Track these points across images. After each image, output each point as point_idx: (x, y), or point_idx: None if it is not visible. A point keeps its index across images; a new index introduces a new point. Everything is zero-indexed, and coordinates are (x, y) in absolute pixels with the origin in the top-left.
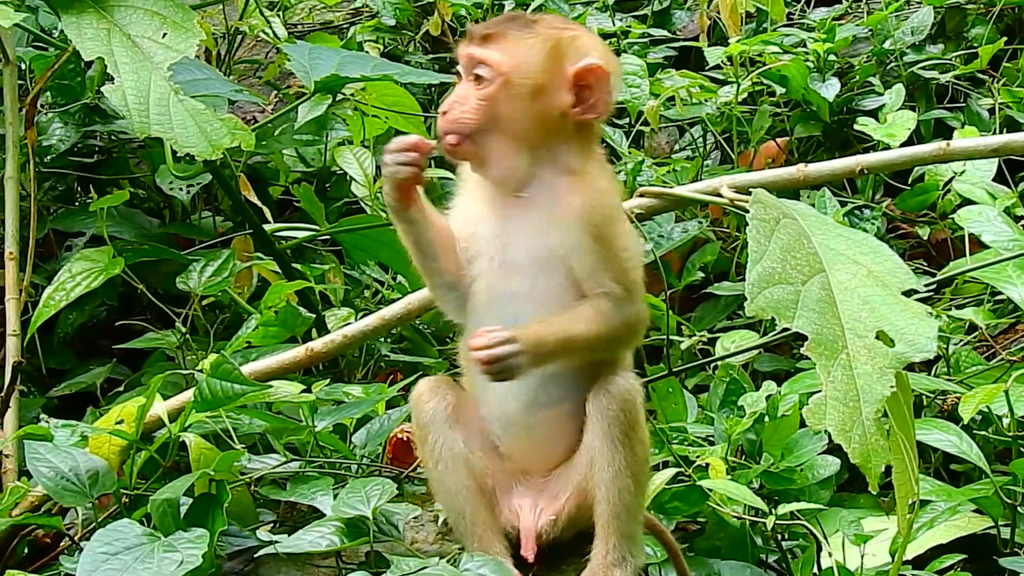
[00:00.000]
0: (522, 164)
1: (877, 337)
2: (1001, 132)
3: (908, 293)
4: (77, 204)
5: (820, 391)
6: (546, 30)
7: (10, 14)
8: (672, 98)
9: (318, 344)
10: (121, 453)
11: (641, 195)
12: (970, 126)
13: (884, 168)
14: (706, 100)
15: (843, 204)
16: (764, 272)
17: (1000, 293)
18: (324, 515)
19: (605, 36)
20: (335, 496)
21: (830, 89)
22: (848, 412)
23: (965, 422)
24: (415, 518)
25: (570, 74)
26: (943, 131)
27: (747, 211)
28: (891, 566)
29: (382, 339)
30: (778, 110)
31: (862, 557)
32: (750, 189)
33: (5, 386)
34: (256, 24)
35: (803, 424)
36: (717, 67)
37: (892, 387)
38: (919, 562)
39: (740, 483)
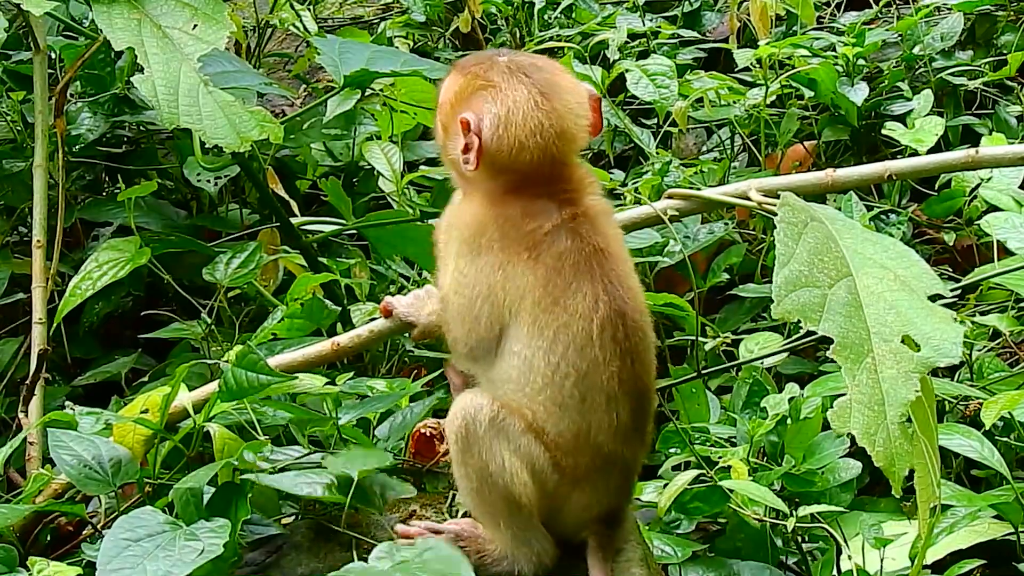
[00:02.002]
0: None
1: (903, 341)
2: None
3: (934, 298)
4: (104, 194)
5: (844, 394)
6: (468, 69)
7: (42, 2)
8: (700, 99)
9: (344, 339)
10: (145, 443)
11: (670, 197)
12: (998, 133)
13: (913, 174)
14: (734, 102)
15: (869, 208)
16: (791, 275)
17: None
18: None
19: (635, 36)
20: None
21: (858, 93)
22: (873, 416)
23: (987, 428)
24: (436, 512)
25: (460, 121)
26: (971, 137)
27: (775, 214)
28: (911, 570)
29: (407, 335)
30: (806, 113)
31: (882, 560)
32: (778, 192)
33: (31, 374)
34: (286, 18)
35: (825, 427)
36: (746, 69)
37: (917, 391)
38: (938, 567)
39: (761, 484)
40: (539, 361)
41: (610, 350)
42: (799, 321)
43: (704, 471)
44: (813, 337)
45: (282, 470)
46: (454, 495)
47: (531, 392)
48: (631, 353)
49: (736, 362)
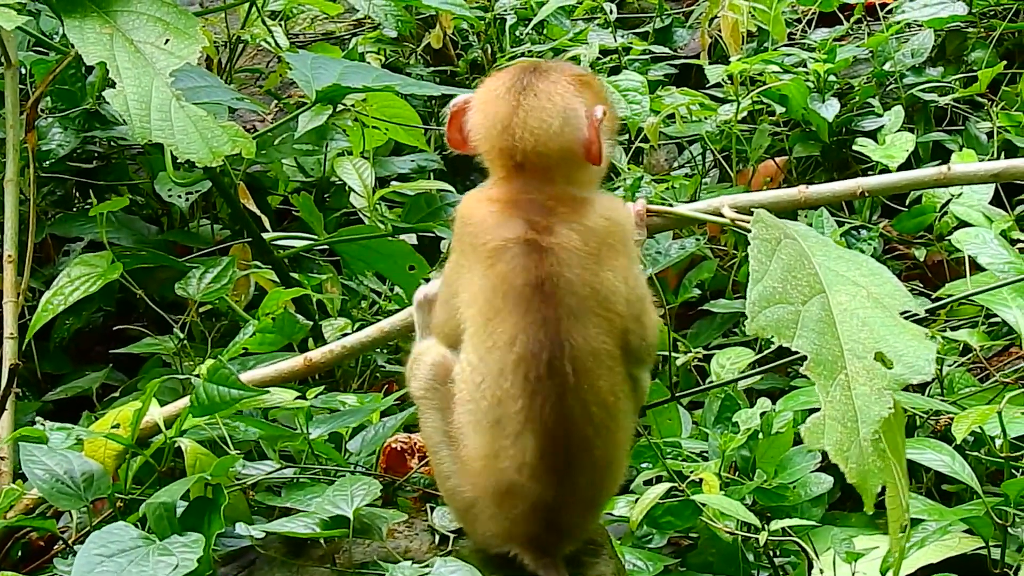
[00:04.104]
0: None
1: (876, 358)
2: (999, 156)
3: (906, 315)
4: (75, 209)
5: (817, 410)
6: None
7: (13, 17)
8: (672, 115)
9: (317, 354)
10: (116, 457)
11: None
12: (968, 149)
13: (885, 191)
14: (706, 118)
15: (840, 224)
16: (765, 292)
17: (995, 315)
18: None
19: (606, 52)
20: None
21: (829, 109)
22: (846, 432)
23: (958, 442)
24: (408, 526)
25: None
26: (941, 153)
27: (748, 231)
28: None
29: (379, 350)
30: (777, 129)
31: (853, 574)
32: (751, 209)
33: (1, 389)
34: (258, 33)
35: (797, 441)
36: (717, 85)
37: (890, 408)
38: None
39: (733, 499)
40: (467, 374)
41: (520, 387)
42: (771, 337)
43: (676, 485)
44: (792, 357)
45: (254, 486)
46: (431, 508)
47: (458, 400)
48: (545, 395)
49: (710, 385)
